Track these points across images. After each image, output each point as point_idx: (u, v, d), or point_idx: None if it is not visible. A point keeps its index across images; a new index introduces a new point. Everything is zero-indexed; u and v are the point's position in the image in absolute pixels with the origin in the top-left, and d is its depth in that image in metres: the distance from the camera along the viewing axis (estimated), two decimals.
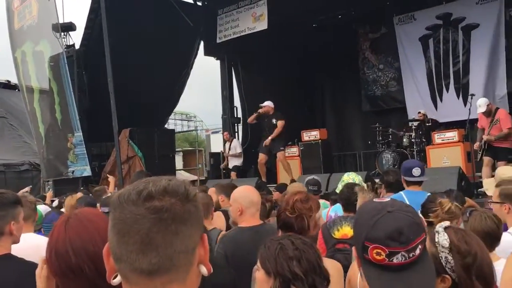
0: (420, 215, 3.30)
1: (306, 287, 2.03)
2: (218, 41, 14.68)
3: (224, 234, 3.85)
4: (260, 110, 11.67)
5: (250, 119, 12.09)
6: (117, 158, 11.49)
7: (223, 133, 14.41)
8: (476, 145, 9.50)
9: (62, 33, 12.77)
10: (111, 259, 1.13)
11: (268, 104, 11.69)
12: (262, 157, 11.77)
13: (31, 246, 2.72)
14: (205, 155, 20.70)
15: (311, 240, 2.40)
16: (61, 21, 12.63)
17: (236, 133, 15.40)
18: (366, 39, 16.01)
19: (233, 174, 13.18)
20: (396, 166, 11.40)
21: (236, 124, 15.45)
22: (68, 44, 12.91)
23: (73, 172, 12.74)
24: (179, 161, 21.71)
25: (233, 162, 13.57)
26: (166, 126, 16.68)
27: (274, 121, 11.50)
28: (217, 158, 15.00)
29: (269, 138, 11.41)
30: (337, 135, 16.11)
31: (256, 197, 3.60)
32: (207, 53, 15.18)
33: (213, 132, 24.06)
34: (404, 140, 12.13)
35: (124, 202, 1.10)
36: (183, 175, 19.17)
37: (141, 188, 1.11)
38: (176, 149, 18.42)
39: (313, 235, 3.07)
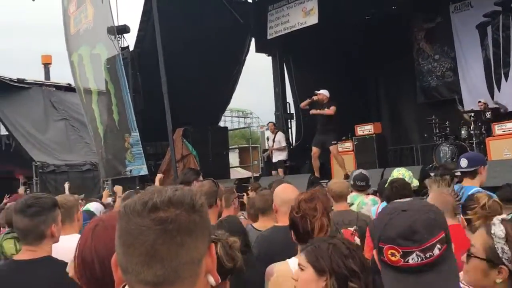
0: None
1: (362, 284, 2.00)
2: (269, 37, 14.67)
3: (261, 233, 3.85)
4: (314, 97, 11.42)
5: (303, 104, 11.90)
6: (172, 157, 11.71)
7: (268, 125, 14.19)
8: None
9: (117, 36, 13.11)
10: (119, 269, 1.13)
11: (323, 92, 11.40)
12: (314, 150, 11.63)
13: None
14: (260, 152, 20.75)
15: None
16: (115, 24, 12.96)
17: (289, 129, 15.34)
18: (421, 29, 15.59)
19: (280, 171, 12.99)
20: (454, 159, 11.07)
21: (289, 120, 15.40)
22: (122, 46, 13.23)
23: (130, 171, 13.05)
24: (235, 158, 21.88)
25: (277, 157, 13.24)
26: (220, 123, 16.85)
27: (326, 110, 11.25)
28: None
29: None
30: (392, 129, 15.76)
31: (289, 195, 3.53)
32: (258, 49, 15.20)
33: (267, 129, 24.00)
34: (463, 132, 11.73)
35: (129, 213, 1.09)
36: (239, 172, 19.32)
37: (146, 199, 1.10)
38: (232, 146, 18.62)
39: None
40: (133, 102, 12.64)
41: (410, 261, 1.43)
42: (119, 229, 1.12)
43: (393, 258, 1.45)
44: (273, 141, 13.46)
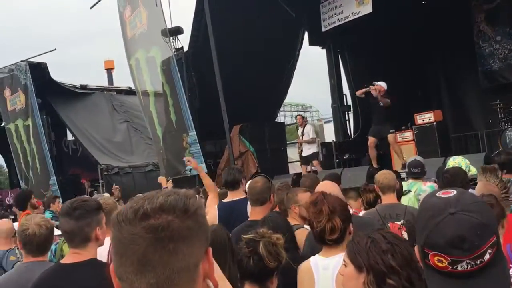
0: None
1: (402, 281, 1.92)
2: (323, 29, 14.49)
3: (309, 231, 3.79)
4: (371, 87, 11.18)
5: (359, 92, 11.66)
6: (230, 155, 11.80)
7: (296, 118, 13.92)
8: None
9: (171, 37, 13.31)
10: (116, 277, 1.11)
11: (381, 84, 11.16)
12: (371, 140, 11.41)
13: None
14: (319, 145, 20.58)
15: None
16: (169, 26, 13.16)
17: (347, 121, 15.13)
18: (481, 11, 14.94)
19: (315, 163, 12.67)
20: None
21: (346, 112, 15.19)
22: (177, 47, 13.42)
23: (190, 170, 13.21)
24: (294, 153, 21.80)
25: (308, 150, 12.90)
26: (280, 119, 16.83)
27: (381, 103, 11.05)
28: (329, 148, 14.77)
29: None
30: (454, 116, 15.21)
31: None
32: (312, 42, 15.08)
33: (325, 122, 23.84)
34: None
35: (121, 221, 1.07)
36: (299, 167, 19.21)
37: (138, 207, 1.07)
38: (291, 141, 18.54)
39: None
40: (189, 102, 12.80)
41: (459, 268, 1.33)
42: (112, 238, 1.10)
43: (440, 264, 1.35)
44: (302, 134, 13.22)
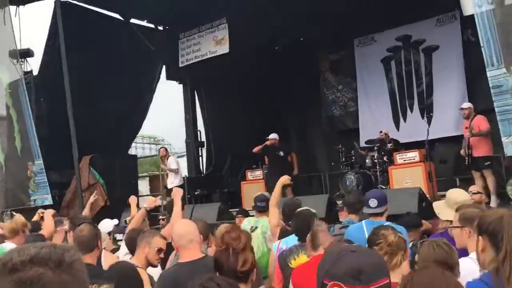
0: None
1: None
2: (180, 65, 14.61)
3: (164, 270, 3.79)
4: (267, 143, 11.82)
5: (256, 149, 12.05)
6: (78, 186, 11.30)
7: (159, 151, 14.01)
8: (462, 151, 9.75)
9: (20, 59, 12.58)
10: None
11: (274, 136, 11.97)
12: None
13: None
14: None
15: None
16: (18, 47, 12.44)
17: (200, 157, 15.28)
18: (327, 61, 16.18)
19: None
20: (360, 187, 11.45)
21: (200, 148, 15.34)
22: (26, 70, 12.69)
23: (34, 200, 12.45)
24: (145, 186, 21.45)
25: (171, 183, 12.98)
26: (131, 150, 16.50)
27: (281, 153, 11.81)
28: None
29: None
30: (301, 157, 16.07)
31: (184, 229, 3.53)
32: (169, 77, 15.07)
33: (178, 156, 23.79)
34: (367, 160, 12.18)
35: None
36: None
37: (7, 259, 1.01)
38: (142, 174, 18.24)
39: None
40: (36, 129, 12.11)
41: None
42: None
43: None
44: (166, 165, 13.45)
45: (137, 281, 3.54)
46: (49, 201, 12.18)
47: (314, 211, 4.70)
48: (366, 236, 3.65)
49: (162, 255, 4.05)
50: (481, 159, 9.38)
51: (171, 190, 12.49)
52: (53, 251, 1.04)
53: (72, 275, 1.04)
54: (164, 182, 14.42)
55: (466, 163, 9.62)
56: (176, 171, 13.27)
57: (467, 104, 10.02)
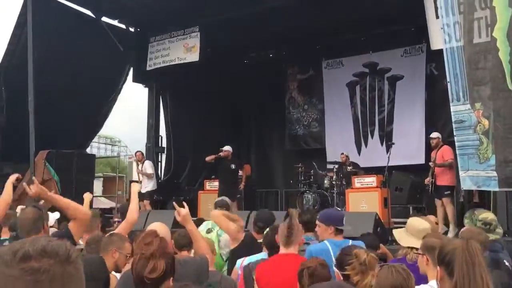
0: (335, 268, 3.29)
1: None
2: (147, 68, 14.45)
3: (128, 270, 3.74)
4: (221, 154, 11.94)
5: (209, 159, 12.10)
6: (30, 181, 10.99)
7: (135, 154, 13.91)
8: (427, 180, 9.94)
9: None
10: None
11: (228, 149, 12.09)
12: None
13: None
14: (126, 182, 20.19)
15: None
16: None
17: (159, 163, 15.14)
18: (294, 80, 16.34)
19: (146, 203, 12.59)
20: (316, 207, 11.53)
21: (160, 154, 15.20)
22: None
23: None
24: (98, 186, 21.04)
25: (145, 188, 12.79)
26: (88, 149, 16.20)
27: (233, 166, 12.01)
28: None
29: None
30: (260, 172, 16.17)
31: (159, 232, 3.48)
32: (135, 79, 14.90)
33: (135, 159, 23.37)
34: (325, 181, 12.32)
35: None
36: (101, 201, 18.60)
37: (17, 248, 1.03)
38: (97, 174, 17.87)
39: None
40: None
41: None
42: None
43: None
44: (141, 170, 13.25)
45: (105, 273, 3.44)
46: None
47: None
48: (332, 255, 3.68)
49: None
50: (442, 188, 9.64)
51: (143, 194, 12.45)
52: (60, 245, 1.08)
53: (76, 269, 1.08)
54: (120, 186, 14.12)
55: (430, 191, 9.87)
56: (151, 176, 13.12)
57: (435, 134, 10.26)
